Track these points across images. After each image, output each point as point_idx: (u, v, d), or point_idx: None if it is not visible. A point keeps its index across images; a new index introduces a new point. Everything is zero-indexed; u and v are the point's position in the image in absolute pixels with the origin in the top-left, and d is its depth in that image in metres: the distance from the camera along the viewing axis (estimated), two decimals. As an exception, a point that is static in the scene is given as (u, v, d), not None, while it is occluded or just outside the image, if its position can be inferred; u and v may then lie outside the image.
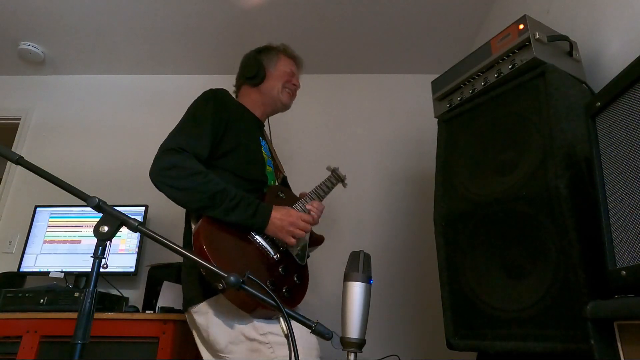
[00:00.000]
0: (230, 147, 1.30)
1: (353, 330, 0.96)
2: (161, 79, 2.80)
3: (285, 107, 1.57)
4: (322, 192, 1.55)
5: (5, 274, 2.09)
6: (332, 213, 2.29)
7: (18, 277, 2.13)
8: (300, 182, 2.01)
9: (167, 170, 1.15)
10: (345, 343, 0.96)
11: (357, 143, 2.62)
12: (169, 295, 1.86)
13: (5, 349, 1.67)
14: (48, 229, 2.20)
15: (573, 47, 1.28)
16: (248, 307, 1.11)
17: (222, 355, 1.14)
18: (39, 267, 2.12)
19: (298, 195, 1.51)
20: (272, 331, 1.13)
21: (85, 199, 0.80)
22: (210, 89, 1.39)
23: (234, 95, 1.53)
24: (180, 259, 1.61)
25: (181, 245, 1.12)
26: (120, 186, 2.42)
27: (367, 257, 1.04)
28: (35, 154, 2.61)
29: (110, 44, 2.53)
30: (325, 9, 2.24)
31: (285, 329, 1.12)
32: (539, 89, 1.15)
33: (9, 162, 2.17)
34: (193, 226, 1.23)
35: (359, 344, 0.96)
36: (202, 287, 1.17)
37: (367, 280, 1.01)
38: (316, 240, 1.51)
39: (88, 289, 0.77)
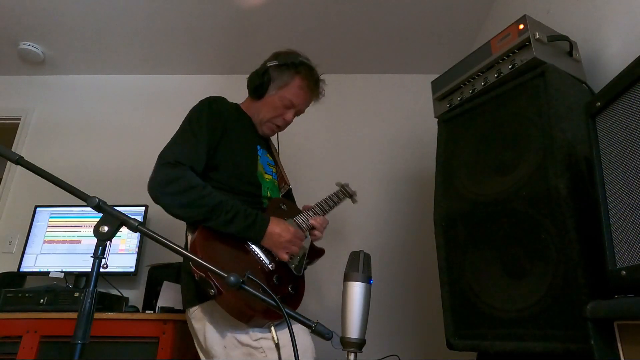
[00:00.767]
0: (224, 158, 1.29)
1: (353, 330, 0.96)
2: (161, 79, 2.80)
3: (263, 135, 1.48)
4: (327, 206, 1.53)
5: (5, 274, 2.09)
6: (332, 213, 2.29)
7: (18, 277, 2.13)
8: (300, 182, 2.02)
9: (164, 186, 1.15)
10: (345, 343, 0.96)
11: (357, 143, 2.62)
12: (169, 295, 1.85)
13: (5, 349, 1.67)
14: (48, 229, 2.20)
15: (573, 47, 1.28)
16: (244, 316, 1.11)
17: (220, 357, 1.14)
18: (39, 267, 2.12)
19: (301, 208, 1.49)
20: (264, 337, 1.15)
21: (85, 199, 0.80)
22: (207, 98, 1.36)
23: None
24: (180, 259, 1.61)
25: (181, 246, 1.13)
26: (120, 186, 2.42)
27: (367, 257, 1.04)
28: (35, 154, 2.61)
29: (110, 44, 2.53)
30: (325, 9, 2.24)
31: (276, 339, 1.13)
32: (539, 89, 1.15)
33: (9, 162, 2.17)
34: (189, 236, 1.24)
35: (359, 344, 0.96)
36: (197, 291, 1.18)
37: (367, 280, 1.01)
38: (316, 253, 1.49)
39: (88, 289, 0.77)
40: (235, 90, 1.54)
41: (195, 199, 1.15)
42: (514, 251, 1.11)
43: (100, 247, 0.80)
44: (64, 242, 2.17)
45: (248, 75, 1.47)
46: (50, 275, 2.04)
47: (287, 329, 1.17)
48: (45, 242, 2.17)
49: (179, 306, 1.75)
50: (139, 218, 2.14)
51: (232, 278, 0.77)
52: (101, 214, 0.81)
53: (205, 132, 1.26)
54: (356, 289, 1.00)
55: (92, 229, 0.80)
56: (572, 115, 1.10)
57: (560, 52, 1.26)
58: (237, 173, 1.32)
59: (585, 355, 0.87)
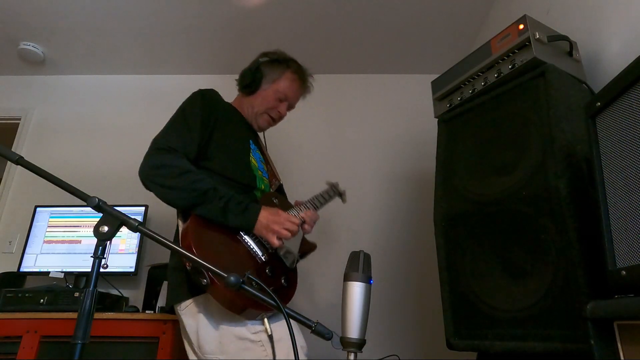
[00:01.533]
0: (217, 149, 1.30)
1: (353, 330, 0.96)
2: (161, 79, 2.80)
3: (259, 129, 1.53)
4: (318, 203, 1.53)
5: (5, 274, 2.09)
6: (332, 213, 2.29)
7: (18, 277, 2.13)
8: (299, 182, 2.02)
9: (157, 169, 1.15)
10: (345, 343, 0.96)
11: (357, 143, 2.62)
12: (169, 295, 1.85)
13: (5, 349, 1.67)
14: (48, 229, 2.20)
15: (573, 47, 1.28)
16: (237, 308, 1.10)
17: (211, 356, 1.12)
18: (39, 267, 2.12)
19: (293, 203, 1.50)
20: (263, 330, 1.14)
21: (85, 199, 0.80)
22: (199, 89, 1.37)
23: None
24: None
25: (181, 246, 1.13)
26: (120, 186, 2.42)
27: (367, 257, 1.04)
28: (35, 154, 2.61)
29: (110, 44, 2.53)
30: (326, 9, 2.24)
31: (269, 330, 1.12)
32: (539, 89, 1.15)
33: (9, 162, 2.17)
34: (181, 225, 1.22)
35: (359, 344, 0.96)
36: (190, 285, 1.16)
37: (367, 280, 1.01)
38: (308, 248, 1.48)
39: (88, 289, 0.77)
40: (235, 90, 1.54)
41: (188, 183, 1.14)
42: (514, 251, 1.11)
43: (100, 247, 0.80)
44: (63, 242, 2.17)
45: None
46: (50, 275, 2.04)
47: (280, 322, 1.17)
48: (45, 242, 2.17)
49: (179, 306, 1.75)
50: (139, 218, 2.14)
51: (232, 278, 0.77)
52: (101, 214, 0.81)
53: (198, 121, 1.26)
54: (356, 289, 1.00)
55: (92, 229, 0.80)
56: (572, 115, 1.10)
57: (560, 52, 1.26)
58: (231, 163, 1.32)
59: (585, 355, 0.87)
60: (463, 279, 1.23)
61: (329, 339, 0.82)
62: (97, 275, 0.78)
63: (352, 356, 0.95)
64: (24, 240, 2.19)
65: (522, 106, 1.18)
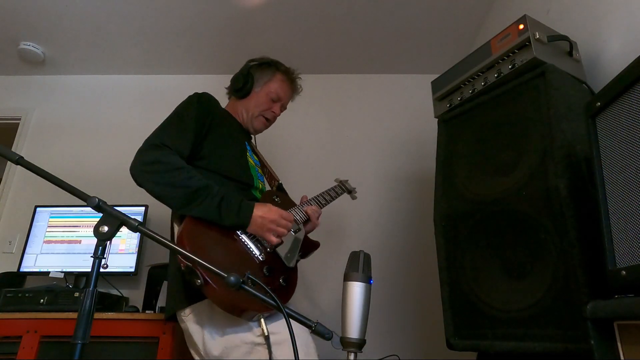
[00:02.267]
0: (213, 148, 1.30)
1: (353, 330, 0.96)
2: (161, 79, 2.80)
3: (255, 132, 1.55)
4: (323, 200, 1.54)
5: (5, 274, 2.09)
6: (332, 213, 2.29)
7: (18, 277, 2.13)
8: (299, 182, 2.01)
9: (149, 165, 1.14)
10: (345, 343, 0.96)
11: (357, 143, 2.62)
12: (169, 295, 1.86)
13: (5, 349, 1.67)
14: (48, 229, 2.20)
15: (573, 47, 1.28)
16: (236, 310, 1.09)
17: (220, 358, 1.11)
18: (39, 267, 2.12)
19: (300, 198, 1.51)
20: (269, 332, 1.12)
21: (85, 199, 0.80)
22: (196, 93, 1.38)
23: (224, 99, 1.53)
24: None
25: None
26: (120, 186, 2.40)
27: (367, 257, 1.04)
28: (35, 154, 2.61)
29: (110, 44, 2.53)
30: (325, 9, 2.24)
31: (265, 331, 1.11)
32: (539, 89, 1.15)
33: (9, 162, 2.17)
34: (176, 228, 1.21)
35: (359, 344, 0.96)
36: (187, 292, 1.15)
37: (367, 280, 1.01)
38: (312, 246, 1.47)
39: (88, 289, 0.77)
40: (229, 98, 1.55)
41: (179, 179, 1.13)
42: (514, 251, 1.11)
43: (100, 247, 0.80)
44: (63, 242, 2.17)
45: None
46: (50, 275, 2.04)
47: (278, 322, 1.16)
48: (45, 242, 2.17)
49: (179, 306, 1.75)
50: (139, 218, 2.14)
51: (232, 278, 0.77)
52: (101, 214, 0.81)
53: (193, 121, 1.27)
54: (356, 289, 1.00)
55: (92, 229, 0.80)
56: (572, 115, 1.10)
57: (560, 52, 1.26)
58: (228, 161, 1.32)
59: (585, 355, 0.87)
60: (463, 279, 1.23)
61: (329, 339, 0.82)
62: (97, 275, 0.78)
63: (352, 356, 0.95)
64: (24, 240, 2.19)
65: (522, 106, 1.18)
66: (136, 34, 2.44)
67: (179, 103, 1.35)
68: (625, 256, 0.75)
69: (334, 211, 2.39)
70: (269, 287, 1.19)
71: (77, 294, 1.81)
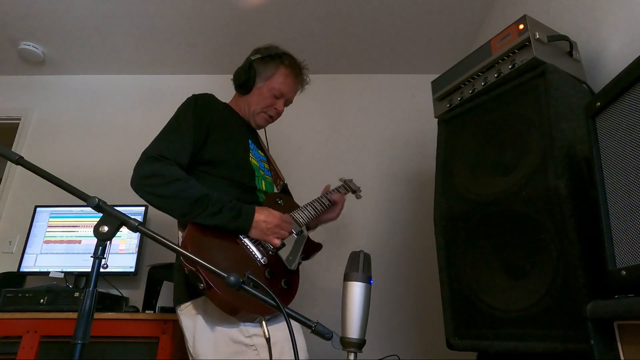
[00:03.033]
0: (215, 152, 1.29)
1: (353, 330, 0.96)
2: (161, 79, 2.80)
3: (257, 127, 1.51)
4: (327, 201, 1.53)
5: (5, 274, 2.10)
6: (332, 213, 2.29)
7: (18, 277, 2.13)
8: (300, 182, 2.02)
9: (147, 179, 1.14)
10: (345, 343, 0.96)
11: (357, 143, 2.62)
12: (169, 295, 1.85)
13: (5, 349, 1.67)
14: (48, 229, 2.20)
15: (573, 47, 1.28)
16: (233, 310, 1.10)
17: (203, 357, 1.12)
18: (39, 267, 2.12)
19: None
20: (257, 333, 1.13)
21: (85, 199, 0.80)
22: (193, 95, 1.36)
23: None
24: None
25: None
26: (120, 186, 2.39)
27: (367, 257, 1.04)
28: (35, 154, 2.61)
29: (110, 44, 2.53)
30: (326, 8, 2.24)
31: (267, 333, 1.12)
32: (539, 89, 1.15)
33: (9, 162, 2.17)
34: (180, 235, 1.22)
35: (359, 344, 0.96)
36: (189, 287, 1.16)
37: (367, 280, 1.01)
38: (314, 248, 1.47)
39: (88, 289, 0.77)
40: (235, 91, 1.54)
41: (178, 190, 1.14)
42: (514, 251, 1.11)
43: (100, 247, 0.79)
44: (63, 242, 2.17)
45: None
46: (50, 275, 2.04)
47: (278, 324, 1.17)
48: (45, 242, 2.17)
49: (179, 306, 1.75)
50: (139, 218, 2.14)
51: (232, 278, 0.77)
52: (101, 214, 0.81)
53: (191, 127, 1.25)
54: (356, 289, 1.00)
55: (92, 229, 0.80)
56: (572, 115, 1.10)
57: (560, 52, 1.26)
58: (231, 164, 1.31)
59: (585, 355, 0.87)
60: (463, 278, 1.23)
61: (329, 339, 0.82)
62: (97, 275, 0.78)
63: (352, 356, 0.94)
64: (24, 240, 2.19)
65: (522, 106, 1.18)
66: (136, 34, 2.44)
67: (182, 101, 1.34)
68: (625, 256, 0.75)
69: (334, 211, 2.38)
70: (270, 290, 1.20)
71: (77, 294, 1.81)
